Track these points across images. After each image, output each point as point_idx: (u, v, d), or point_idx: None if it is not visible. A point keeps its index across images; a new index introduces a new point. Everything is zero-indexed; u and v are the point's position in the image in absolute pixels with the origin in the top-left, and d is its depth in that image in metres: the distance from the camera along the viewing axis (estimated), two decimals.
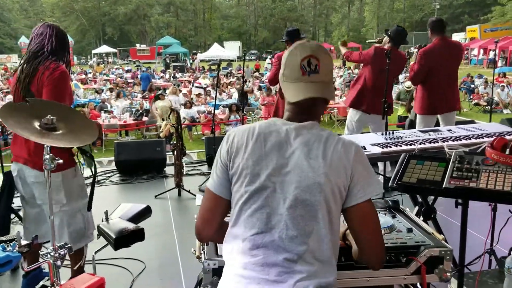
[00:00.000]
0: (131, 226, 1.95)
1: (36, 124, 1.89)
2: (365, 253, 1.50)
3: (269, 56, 34.33)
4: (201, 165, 6.55)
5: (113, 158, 6.34)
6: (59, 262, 1.74)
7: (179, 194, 5.20)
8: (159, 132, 11.85)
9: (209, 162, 6.30)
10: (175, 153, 5.24)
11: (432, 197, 3.41)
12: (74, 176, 2.79)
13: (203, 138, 10.80)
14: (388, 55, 4.45)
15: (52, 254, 1.74)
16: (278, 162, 1.43)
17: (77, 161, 2.72)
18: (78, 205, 2.80)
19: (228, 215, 1.59)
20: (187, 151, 6.42)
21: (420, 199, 3.01)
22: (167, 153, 6.47)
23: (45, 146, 1.85)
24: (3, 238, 3.35)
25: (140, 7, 58.59)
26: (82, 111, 10.93)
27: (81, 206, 2.83)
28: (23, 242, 1.68)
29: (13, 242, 1.64)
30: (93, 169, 2.65)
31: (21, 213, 3.26)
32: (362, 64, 5.09)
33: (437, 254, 1.79)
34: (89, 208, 2.78)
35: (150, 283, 3.32)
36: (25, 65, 2.71)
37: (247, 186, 1.44)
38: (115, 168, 6.22)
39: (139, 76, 24.62)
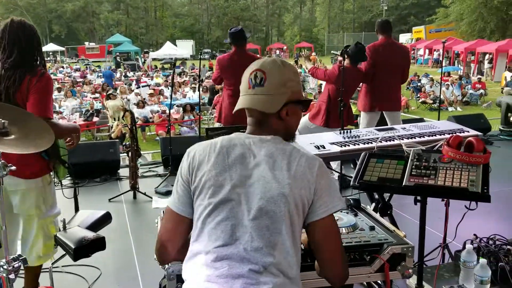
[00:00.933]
0: (90, 234, 1.85)
1: None
2: (325, 270, 1.50)
3: None
4: (156, 167, 6.40)
5: None
6: (12, 276, 1.62)
7: (134, 196, 5.06)
8: (111, 133, 11.58)
9: (165, 163, 6.17)
10: (129, 154, 5.09)
11: (388, 194, 3.49)
12: (49, 183, 2.71)
13: (157, 138, 10.61)
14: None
15: (5, 267, 1.62)
16: (242, 173, 1.42)
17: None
18: (52, 214, 2.69)
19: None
20: (143, 153, 6.26)
21: (376, 196, 3.07)
22: (120, 155, 6.27)
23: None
24: None
25: (88, 4, 56.74)
26: None
27: (56, 214, 2.74)
28: None
29: None
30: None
31: None
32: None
33: (400, 252, 1.82)
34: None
35: None
36: (5, 73, 2.50)
37: (210, 198, 1.41)
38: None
39: (89, 75, 23.90)
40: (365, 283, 2.50)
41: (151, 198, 4.99)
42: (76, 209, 2.66)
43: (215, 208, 1.40)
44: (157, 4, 63.28)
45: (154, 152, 8.03)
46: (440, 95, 9.89)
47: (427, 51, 33.70)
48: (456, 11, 34.34)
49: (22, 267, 1.65)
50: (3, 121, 1.73)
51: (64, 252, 1.87)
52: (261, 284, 1.33)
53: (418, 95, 16.49)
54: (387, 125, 4.90)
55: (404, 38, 44.21)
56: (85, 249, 1.79)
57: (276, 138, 1.49)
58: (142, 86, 17.94)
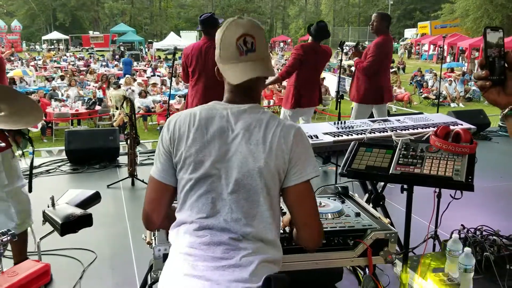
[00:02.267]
0: (78, 211, 1.90)
1: None
2: (300, 234, 1.53)
3: None
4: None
5: (63, 147, 6.14)
6: (1, 249, 1.68)
7: (133, 183, 5.12)
8: (113, 121, 11.63)
9: None
10: (128, 142, 5.14)
11: (382, 185, 3.53)
12: (12, 157, 2.80)
13: (159, 128, 10.65)
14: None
15: None
16: (221, 148, 1.43)
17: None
18: (20, 185, 2.83)
19: (175, 201, 1.58)
20: (141, 141, 6.31)
21: (370, 187, 3.11)
22: (120, 143, 6.33)
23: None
24: None
25: None
26: None
27: (21, 186, 2.88)
28: None
29: None
30: (30, 150, 2.61)
31: None
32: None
33: (383, 237, 1.87)
34: (30, 190, 2.76)
35: (102, 272, 3.27)
36: None
37: (191, 173, 1.44)
38: (66, 157, 6.02)
39: (93, 64, 23.94)
40: (350, 267, 2.55)
41: None
42: (30, 184, 2.76)
43: (196, 183, 1.44)
44: None
45: (155, 141, 8.09)
46: (439, 90, 9.84)
47: (431, 46, 33.55)
48: (462, 7, 34.13)
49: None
50: None
51: (51, 229, 1.92)
52: (241, 249, 1.41)
53: (421, 91, 16.47)
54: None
55: (409, 33, 44.02)
56: (72, 224, 1.84)
57: (253, 107, 1.49)
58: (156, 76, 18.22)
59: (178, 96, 12.92)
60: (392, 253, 1.89)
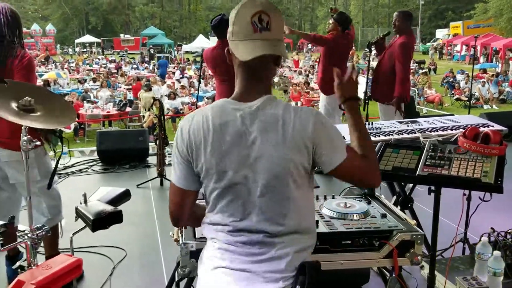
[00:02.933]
0: (109, 208, 1.96)
1: (14, 105, 1.91)
2: (361, 185, 1.66)
3: None
4: None
5: (95, 148, 6.30)
6: (36, 243, 1.76)
7: (161, 183, 5.21)
8: (142, 122, 11.86)
9: None
10: (157, 142, 5.23)
11: (410, 187, 3.49)
12: (45, 154, 2.91)
13: None
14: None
15: (29, 235, 1.76)
16: (241, 154, 1.39)
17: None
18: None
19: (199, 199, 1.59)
20: (170, 142, 6.40)
21: (398, 189, 3.08)
22: (149, 143, 6.45)
23: (22, 127, 1.86)
24: None
25: None
26: None
27: (54, 182, 2.95)
28: (0, 222, 1.69)
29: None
30: (64, 150, 2.71)
31: None
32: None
33: (409, 238, 1.86)
34: (49, 186, 2.87)
35: (131, 269, 3.35)
36: None
37: (216, 183, 1.43)
38: (97, 157, 6.18)
39: (124, 66, 24.42)
40: (376, 268, 2.54)
41: None
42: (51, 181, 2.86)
43: (223, 192, 1.43)
44: None
45: None
46: (471, 92, 9.60)
47: (464, 47, 32.79)
48: (496, 6, 33.23)
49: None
50: (29, 99, 1.87)
51: (83, 225, 2.00)
52: (276, 244, 1.43)
53: (453, 92, 16.13)
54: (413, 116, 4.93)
55: (441, 34, 43.12)
56: (103, 221, 1.90)
57: (265, 102, 1.42)
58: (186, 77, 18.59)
59: (206, 98, 13.07)
60: (419, 255, 1.88)
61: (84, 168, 5.91)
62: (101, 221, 1.87)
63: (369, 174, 1.51)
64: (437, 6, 52.11)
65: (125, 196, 2.36)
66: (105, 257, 3.46)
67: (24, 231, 1.84)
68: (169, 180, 5.15)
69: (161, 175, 5.19)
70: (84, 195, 2.02)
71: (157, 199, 4.84)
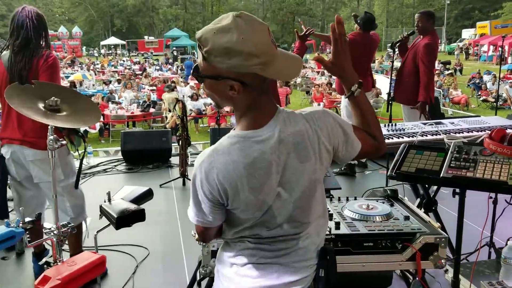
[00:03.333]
0: (132, 206, 2.00)
1: (41, 105, 1.96)
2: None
3: None
4: None
5: (119, 148, 6.40)
6: (62, 240, 1.80)
7: (184, 183, 5.26)
8: (166, 123, 11.99)
9: None
10: (180, 143, 5.29)
11: (434, 189, 3.44)
12: (68, 154, 2.98)
13: (209, 130, 10.86)
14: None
15: (55, 232, 1.80)
16: (275, 180, 1.33)
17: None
18: (73, 181, 2.98)
19: None
20: (192, 142, 6.46)
21: (421, 191, 3.04)
22: (172, 144, 6.52)
23: (49, 127, 1.91)
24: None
25: None
26: None
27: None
28: (27, 219, 1.74)
29: (17, 218, 1.70)
30: (81, 148, 2.79)
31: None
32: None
33: (432, 241, 1.83)
34: (76, 185, 2.95)
35: (154, 268, 3.39)
36: (14, 57, 2.77)
37: (255, 213, 1.35)
38: (121, 157, 6.28)
39: (148, 68, 24.74)
40: (398, 271, 2.51)
41: None
42: (77, 180, 2.94)
43: (260, 218, 1.37)
44: None
45: (205, 143, 8.26)
46: (500, 93, 9.37)
47: (491, 47, 32.09)
48: None
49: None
50: (55, 99, 1.92)
51: (107, 223, 2.04)
52: (302, 235, 1.42)
53: (479, 93, 15.80)
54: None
55: (467, 34, 42.30)
56: (126, 219, 1.93)
57: (281, 121, 1.33)
58: None
59: None
60: (442, 258, 1.85)
61: (109, 168, 6.02)
62: (124, 219, 1.90)
63: (382, 148, 1.53)
64: (463, 6, 51.15)
65: (148, 195, 2.39)
66: (128, 256, 3.52)
67: (50, 228, 1.88)
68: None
69: (184, 175, 5.24)
70: (108, 194, 2.06)
71: (179, 199, 4.89)
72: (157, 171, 5.94)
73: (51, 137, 1.87)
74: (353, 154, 1.46)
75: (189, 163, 5.47)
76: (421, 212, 2.08)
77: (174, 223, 4.22)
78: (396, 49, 5.13)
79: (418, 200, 3.08)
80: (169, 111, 12.63)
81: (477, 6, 49.89)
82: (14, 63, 2.75)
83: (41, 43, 2.83)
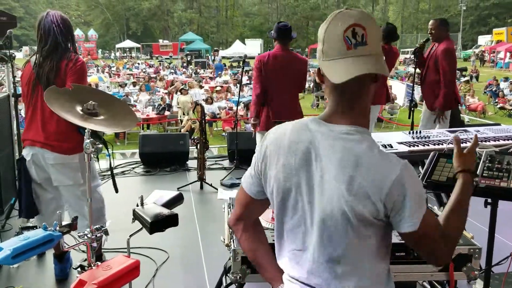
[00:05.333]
0: (165, 211, 2.00)
1: (79, 109, 1.97)
2: (427, 260, 1.38)
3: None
4: (222, 160, 6.60)
5: (135, 150, 6.44)
6: (95, 244, 1.80)
7: (201, 187, 5.26)
8: (180, 127, 12.04)
9: (231, 157, 6.34)
10: (198, 146, 5.29)
11: None
12: (89, 159, 2.96)
13: (224, 134, 10.87)
14: None
15: (89, 235, 1.80)
16: (307, 180, 1.29)
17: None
18: (94, 184, 3.00)
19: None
20: (210, 147, 6.46)
21: (445, 199, 3.00)
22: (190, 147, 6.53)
23: (86, 130, 1.92)
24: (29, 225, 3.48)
25: (163, 3, 59.10)
26: None
27: (96, 185, 3.08)
28: (64, 223, 1.74)
29: (55, 222, 1.70)
30: (106, 152, 2.81)
31: None
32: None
33: (466, 252, 1.80)
34: (116, 190, 2.99)
35: (173, 271, 3.39)
36: (43, 60, 2.80)
37: (280, 201, 1.36)
38: (139, 160, 6.31)
39: (162, 71, 24.87)
40: (423, 283, 2.46)
41: (217, 189, 5.15)
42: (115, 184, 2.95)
43: (287, 212, 1.36)
44: (228, 3, 64.64)
45: (220, 147, 8.28)
46: None
47: (508, 54, 31.73)
48: None
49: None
50: (93, 103, 1.92)
51: (140, 227, 2.03)
52: (336, 277, 1.30)
53: (496, 100, 15.60)
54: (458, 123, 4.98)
55: (483, 40, 41.92)
56: (160, 223, 1.93)
57: (350, 132, 1.26)
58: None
59: (242, 103, 13.14)
60: (476, 270, 1.81)
61: (127, 170, 6.04)
62: (158, 224, 1.90)
63: (441, 247, 1.29)
64: (480, 12, 50.75)
65: (178, 199, 2.40)
66: (148, 259, 3.52)
67: (84, 232, 1.89)
68: (208, 184, 5.23)
69: (201, 179, 5.24)
70: (141, 198, 2.06)
71: (197, 202, 4.89)
72: (174, 174, 5.95)
73: (88, 140, 1.87)
74: (404, 227, 1.24)
75: (206, 167, 5.47)
76: None
77: (192, 226, 4.21)
78: (415, 58, 5.19)
79: (442, 208, 3.04)
80: (184, 114, 12.69)
81: (493, 13, 49.45)
82: (42, 66, 2.77)
83: (69, 46, 2.85)
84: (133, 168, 6.14)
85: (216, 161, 6.56)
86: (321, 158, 1.26)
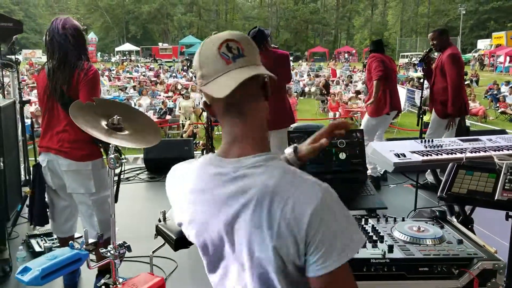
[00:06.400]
0: None
1: (104, 123, 1.93)
2: None
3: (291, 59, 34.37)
4: None
5: (138, 155, 6.40)
6: (118, 261, 1.77)
7: None
8: (182, 131, 11.99)
9: None
10: (204, 152, 5.26)
11: (470, 207, 3.36)
12: (102, 167, 2.95)
13: None
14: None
15: (112, 252, 1.77)
16: (220, 230, 1.18)
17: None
18: (106, 195, 2.94)
19: None
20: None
21: (457, 209, 2.96)
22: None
23: (110, 146, 1.88)
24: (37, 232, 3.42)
25: (163, 6, 59.17)
26: None
27: (107, 196, 2.97)
28: (90, 240, 1.71)
29: (81, 239, 1.67)
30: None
31: None
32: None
33: (491, 267, 1.76)
34: (116, 200, 2.88)
35: (183, 281, 3.35)
36: (56, 70, 2.77)
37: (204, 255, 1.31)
38: (143, 165, 6.27)
39: (162, 75, 24.87)
40: None
41: None
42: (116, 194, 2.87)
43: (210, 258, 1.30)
44: (228, 7, 64.78)
45: None
46: None
47: (508, 58, 31.80)
48: None
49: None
50: (118, 117, 1.89)
51: (162, 242, 1.99)
52: None
53: (497, 105, 15.61)
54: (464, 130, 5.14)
55: (482, 44, 42.01)
56: (185, 240, 1.89)
57: (255, 162, 1.13)
58: None
59: None
60: (500, 285, 1.78)
61: (131, 177, 6.00)
62: (183, 241, 1.86)
63: None
64: (479, 16, 50.88)
65: None
66: (157, 268, 3.48)
67: (107, 249, 1.85)
68: None
69: None
70: (163, 213, 2.02)
71: None
72: None
73: (112, 156, 1.84)
74: (318, 269, 1.07)
75: None
76: (473, 236, 2.01)
77: None
78: (416, 61, 5.35)
79: (453, 218, 3.01)
80: (185, 118, 12.66)
81: (492, 17, 49.59)
82: (54, 76, 2.74)
83: (81, 54, 2.82)
84: (138, 174, 6.10)
85: None
86: (231, 204, 1.14)
